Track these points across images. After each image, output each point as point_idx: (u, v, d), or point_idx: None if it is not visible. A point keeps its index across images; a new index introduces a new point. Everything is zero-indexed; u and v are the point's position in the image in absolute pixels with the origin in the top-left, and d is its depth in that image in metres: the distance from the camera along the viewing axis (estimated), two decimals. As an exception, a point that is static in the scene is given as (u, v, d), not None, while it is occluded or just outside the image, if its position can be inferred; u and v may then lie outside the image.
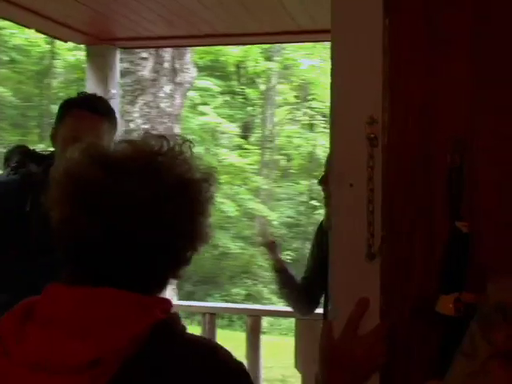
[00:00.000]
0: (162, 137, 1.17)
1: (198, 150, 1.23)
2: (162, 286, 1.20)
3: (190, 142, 1.21)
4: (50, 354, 1.05)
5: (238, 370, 1.15)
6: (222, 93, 14.07)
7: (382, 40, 1.32)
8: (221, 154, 12.82)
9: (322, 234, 2.66)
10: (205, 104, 13.31)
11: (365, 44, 1.33)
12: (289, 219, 13.57)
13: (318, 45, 11.97)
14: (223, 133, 13.50)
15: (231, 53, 11.96)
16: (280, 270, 2.70)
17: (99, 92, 3.95)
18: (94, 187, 1.11)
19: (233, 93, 14.42)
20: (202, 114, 13.10)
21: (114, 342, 1.05)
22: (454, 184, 1.28)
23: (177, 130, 6.66)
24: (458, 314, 1.24)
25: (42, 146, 6.22)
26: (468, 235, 1.25)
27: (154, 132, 1.20)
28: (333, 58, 1.39)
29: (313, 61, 12.85)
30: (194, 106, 12.70)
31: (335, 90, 1.36)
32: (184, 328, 1.16)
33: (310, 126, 14.81)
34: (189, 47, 5.58)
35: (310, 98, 14.01)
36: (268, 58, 13.25)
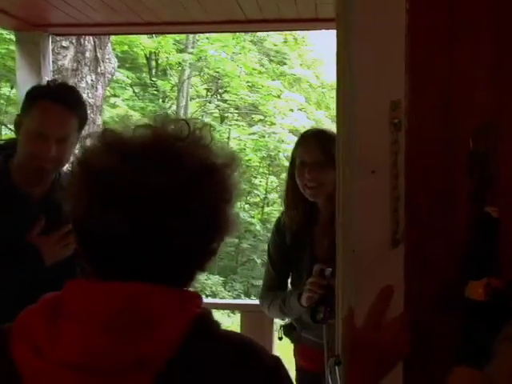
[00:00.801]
0: (181, 120, 1.11)
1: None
2: (190, 278, 1.13)
3: (210, 126, 1.15)
4: (90, 353, 0.99)
5: (275, 365, 1.11)
6: (132, 84, 13.79)
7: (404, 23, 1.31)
8: (134, 147, 12.56)
9: (284, 224, 2.61)
10: (115, 96, 13.00)
11: (387, 28, 1.31)
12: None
13: (233, 37, 11.98)
14: (126, 123, 13.22)
15: (145, 43, 11.73)
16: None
17: (32, 81, 3.76)
18: (113, 179, 1.04)
19: (144, 85, 14.17)
20: (113, 106, 12.79)
21: (157, 340, 1.00)
22: (479, 169, 1.29)
23: (98, 121, 6.46)
24: (488, 299, 1.24)
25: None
26: (498, 220, 1.25)
27: (173, 116, 1.12)
28: (350, 44, 1.36)
29: (226, 53, 12.83)
30: (104, 98, 12.37)
31: (356, 76, 1.33)
32: (218, 323, 1.11)
33: (222, 119, 14.81)
34: (125, 35, 5.40)
35: (222, 90, 14.00)
36: (181, 50, 13.10)
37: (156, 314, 1.02)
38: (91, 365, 0.98)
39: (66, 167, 2.19)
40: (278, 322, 3.71)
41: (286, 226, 2.59)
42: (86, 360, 0.98)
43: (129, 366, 0.98)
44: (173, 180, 1.04)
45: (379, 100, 1.31)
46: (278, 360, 1.13)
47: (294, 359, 2.69)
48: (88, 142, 1.12)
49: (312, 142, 2.49)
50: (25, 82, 3.74)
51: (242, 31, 6.27)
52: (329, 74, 16.42)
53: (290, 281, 2.67)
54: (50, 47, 3.88)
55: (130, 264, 1.05)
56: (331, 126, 13.52)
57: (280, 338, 2.74)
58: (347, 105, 1.38)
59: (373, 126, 1.32)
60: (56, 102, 2.09)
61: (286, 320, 2.76)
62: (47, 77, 3.79)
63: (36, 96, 2.15)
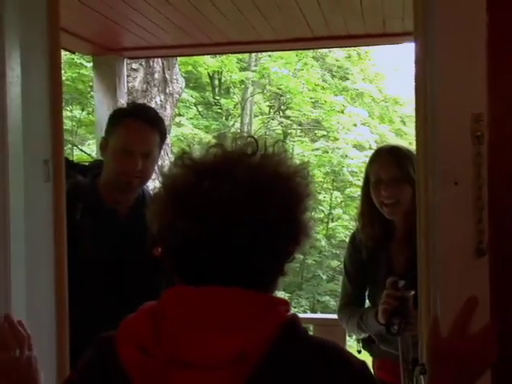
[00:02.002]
0: (250, 138, 1.19)
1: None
2: (273, 283, 1.19)
3: (282, 141, 1.21)
4: (194, 351, 1.06)
5: (362, 368, 1.15)
6: (196, 103, 14.03)
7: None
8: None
9: (359, 241, 2.61)
10: (180, 115, 13.26)
11: (467, 41, 1.34)
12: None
13: (296, 53, 12.06)
14: (200, 144, 13.40)
15: (208, 63, 11.94)
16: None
17: (107, 102, 3.93)
18: (190, 195, 1.13)
19: (208, 103, 14.40)
20: (179, 125, 13.04)
21: (253, 339, 1.07)
22: None
23: (168, 140, 6.61)
24: None
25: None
26: None
27: (244, 134, 1.19)
28: (430, 58, 1.39)
29: (288, 70, 12.92)
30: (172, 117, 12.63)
31: (437, 89, 1.36)
32: (305, 328, 1.16)
33: (285, 135, 14.88)
34: (195, 56, 5.53)
35: (285, 107, 14.09)
36: (244, 68, 13.27)
37: (252, 317, 1.09)
38: (195, 360, 1.06)
39: (151, 187, 2.31)
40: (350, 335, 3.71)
41: (361, 241, 2.59)
42: (191, 357, 1.06)
43: (230, 361, 1.05)
44: (244, 191, 1.11)
45: (461, 113, 1.34)
46: (364, 363, 1.16)
47: (373, 372, 2.69)
48: (169, 166, 1.22)
49: (387, 158, 2.46)
50: (101, 104, 3.92)
51: (309, 48, 6.32)
52: (391, 87, 16.30)
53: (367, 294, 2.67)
54: (125, 70, 4.04)
55: (212, 271, 1.13)
56: (395, 140, 13.34)
57: (359, 352, 2.73)
58: (428, 118, 1.41)
59: (455, 139, 1.35)
60: (138, 120, 2.22)
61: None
62: (122, 98, 3.94)
63: (119, 117, 2.28)
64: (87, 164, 2.47)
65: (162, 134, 2.29)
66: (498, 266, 1.35)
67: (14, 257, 1.61)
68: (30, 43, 1.70)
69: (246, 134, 1.21)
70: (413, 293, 2.34)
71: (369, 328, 2.54)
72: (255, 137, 1.20)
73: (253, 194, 1.11)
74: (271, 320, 1.10)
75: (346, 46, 6.81)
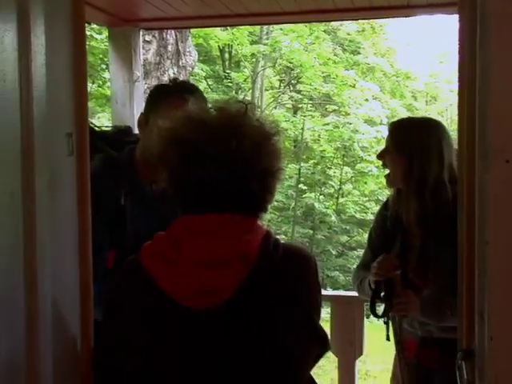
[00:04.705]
0: (240, 102, 1.51)
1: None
2: (260, 209, 1.51)
3: (258, 106, 1.40)
4: (207, 254, 1.41)
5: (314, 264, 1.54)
6: (206, 77, 13.93)
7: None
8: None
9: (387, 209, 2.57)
10: (190, 89, 13.15)
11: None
12: (277, 203, 13.56)
13: (308, 27, 11.91)
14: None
15: (219, 36, 11.79)
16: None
17: (123, 75, 3.84)
18: (193, 146, 1.44)
19: (218, 77, 14.29)
20: (189, 98, 12.93)
21: (249, 245, 1.42)
22: None
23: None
24: None
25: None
26: None
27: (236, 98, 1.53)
28: (481, 33, 1.32)
29: (300, 43, 12.77)
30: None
31: (490, 60, 1.29)
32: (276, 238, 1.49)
33: (296, 110, 14.78)
34: (214, 27, 5.43)
35: (295, 81, 13.97)
36: (255, 42, 13.12)
37: (246, 232, 1.44)
38: (206, 261, 1.40)
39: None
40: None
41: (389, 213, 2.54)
42: (202, 258, 1.41)
43: (230, 260, 1.40)
44: (233, 142, 1.42)
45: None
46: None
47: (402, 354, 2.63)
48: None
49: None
50: (117, 76, 3.83)
51: (332, 20, 6.26)
52: (403, 62, 16.12)
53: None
54: (140, 41, 3.95)
55: (210, 202, 1.46)
56: (406, 115, 13.24)
57: (387, 339, 2.64)
58: (477, 92, 1.34)
59: (507, 114, 1.27)
60: (183, 99, 2.16)
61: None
62: (137, 70, 3.86)
63: (163, 94, 2.25)
64: (109, 132, 2.44)
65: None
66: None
67: (39, 232, 1.56)
68: (54, 13, 1.63)
69: (237, 99, 1.61)
70: (398, 272, 2.32)
71: (363, 293, 2.59)
72: (243, 100, 1.53)
73: (240, 147, 1.42)
74: (257, 233, 1.45)
75: (369, 18, 6.75)
